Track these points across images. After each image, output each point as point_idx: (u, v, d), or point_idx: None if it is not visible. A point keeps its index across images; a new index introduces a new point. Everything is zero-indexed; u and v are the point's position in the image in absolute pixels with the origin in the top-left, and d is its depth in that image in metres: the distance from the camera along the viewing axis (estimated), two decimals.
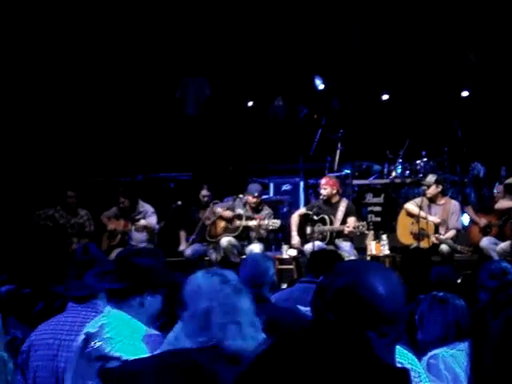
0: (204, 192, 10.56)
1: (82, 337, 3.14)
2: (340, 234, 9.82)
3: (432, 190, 9.81)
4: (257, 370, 1.84)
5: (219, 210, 10.30)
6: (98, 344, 3.02)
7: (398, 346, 2.93)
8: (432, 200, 9.85)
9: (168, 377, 2.65)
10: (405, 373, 1.87)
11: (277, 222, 9.91)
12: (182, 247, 10.50)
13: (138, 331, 3.12)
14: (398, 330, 1.93)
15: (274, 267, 4.83)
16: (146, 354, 2.97)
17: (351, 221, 9.75)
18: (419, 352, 3.84)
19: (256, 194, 10.14)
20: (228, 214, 10.21)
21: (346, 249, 9.69)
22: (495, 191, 10.25)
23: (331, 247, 9.69)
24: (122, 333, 3.07)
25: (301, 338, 1.86)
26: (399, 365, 2.61)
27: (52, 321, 3.69)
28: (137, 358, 2.88)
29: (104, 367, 2.95)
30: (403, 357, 2.95)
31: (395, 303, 1.91)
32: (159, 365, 2.70)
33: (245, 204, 10.24)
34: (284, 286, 8.34)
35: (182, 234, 10.63)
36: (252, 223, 9.97)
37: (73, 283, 3.63)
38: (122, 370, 2.82)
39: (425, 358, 3.69)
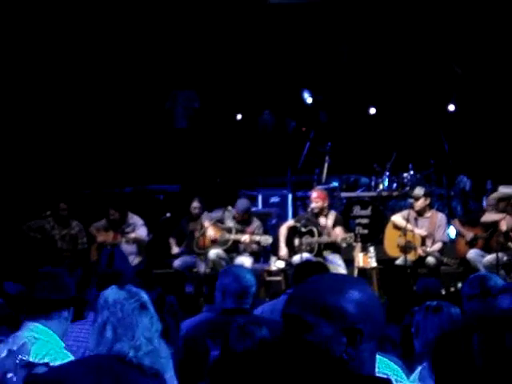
0: (195, 204, 10.59)
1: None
2: (328, 246, 9.89)
3: (421, 203, 9.89)
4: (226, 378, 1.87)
5: (207, 224, 10.31)
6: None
7: (383, 358, 3.00)
8: (420, 213, 9.93)
9: (90, 379, 2.91)
10: (386, 383, 1.89)
11: (269, 239, 9.93)
12: (174, 251, 10.54)
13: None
14: (374, 339, 1.91)
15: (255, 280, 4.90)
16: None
17: (338, 230, 9.84)
18: (415, 364, 3.89)
19: (240, 213, 10.17)
20: (213, 234, 10.19)
21: (334, 260, 9.76)
22: (484, 204, 10.34)
23: (319, 259, 9.76)
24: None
25: (271, 350, 1.88)
26: (384, 376, 2.67)
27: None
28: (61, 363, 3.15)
29: (30, 373, 3.10)
30: (388, 368, 2.99)
31: (366, 309, 1.90)
32: (82, 368, 2.97)
33: (234, 216, 10.28)
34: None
35: (172, 241, 10.67)
36: (243, 238, 9.99)
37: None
38: (48, 376, 3.02)
39: (419, 368, 3.75)
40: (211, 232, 10.20)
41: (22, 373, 3.10)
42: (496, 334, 1.79)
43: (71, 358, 3.29)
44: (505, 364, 1.77)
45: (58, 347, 3.33)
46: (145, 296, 3.19)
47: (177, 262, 10.28)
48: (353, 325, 1.87)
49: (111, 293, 3.14)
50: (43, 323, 3.35)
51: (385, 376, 2.67)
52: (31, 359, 3.16)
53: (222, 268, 9.94)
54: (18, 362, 3.14)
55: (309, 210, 10.25)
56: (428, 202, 9.98)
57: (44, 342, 3.29)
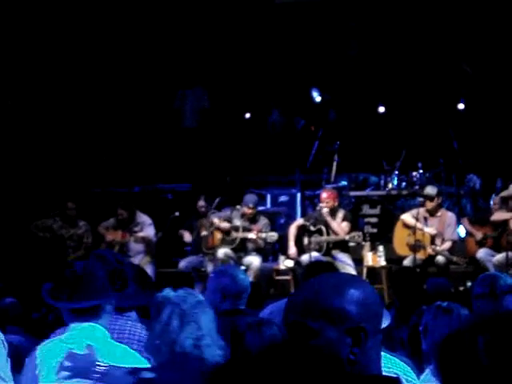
0: (201, 203, 10.63)
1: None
2: (337, 245, 9.87)
3: (434, 203, 9.86)
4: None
5: (216, 220, 10.33)
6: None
7: (393, 357, 2.98)
8: (431, 212, 9.89)
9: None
10: (396, 382, 1.87)
11: (274, 235, 9.93)
12: (187, 239, 10.55)
13: None
14: (378, 333, 1.90)
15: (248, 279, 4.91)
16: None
17: (343, 225, 9.82)
18: (423, 363, 3.86)
19: (251, 205, 10.15)
20: (225, 225, 10.24)
21: (343, 259, 9.74)
22: (492, 203, 10.30)
23: (328, 258, 9.74)
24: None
25: (272, 354, 1.85)
26: (394, 375, 2.65)
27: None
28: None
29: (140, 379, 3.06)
30: (399, 367, 2.98)
31: (367, 307, 1.89)
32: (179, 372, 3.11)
33: (242, 215, 10.27)
34: None
35: (183, 231, 10.70)
36: (250, 235, 9.99)
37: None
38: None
39: (429, 368, 3.72)
40: (223, 225, 10.20)
41: (128, 380, 3.03)
42: (502, 334, 1.79)
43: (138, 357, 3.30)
44: (510, 363, 1.77)
45: (120, 346, 3.32)
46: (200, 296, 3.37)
47: (182, 263, 10.27)
48: (356, 324, 1.86)
49: (169, 291, 3.24)
50: (95, 322, 3.27)
51: (394, 375, 2.64)
52: (105, 361, 3.11)
53: None
54: (96, 367, 3.09)
55: (318, 208, 10.23)
56: (440, 201, 9.97)
57: (106, 342, 3.24)
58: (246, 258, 10.01)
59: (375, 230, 11.22)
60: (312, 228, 9.90)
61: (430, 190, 10.03)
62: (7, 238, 10.47)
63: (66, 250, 10.43)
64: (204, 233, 10.34)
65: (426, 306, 4.30)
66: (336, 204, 10.08)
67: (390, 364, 2.87)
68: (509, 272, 8.56)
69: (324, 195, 10.14)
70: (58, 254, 10.06)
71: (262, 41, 13.07)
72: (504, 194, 9.91)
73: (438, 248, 9.65)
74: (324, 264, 6.59)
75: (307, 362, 1.82)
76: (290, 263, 10.08)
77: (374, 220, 11.38)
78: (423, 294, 6.21)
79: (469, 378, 1.78)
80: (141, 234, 10.43)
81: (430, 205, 9.87)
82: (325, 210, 9.89)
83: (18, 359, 3.44)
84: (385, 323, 1.95)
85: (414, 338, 4.19)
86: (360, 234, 9.79)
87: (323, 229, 9.89)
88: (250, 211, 10.16)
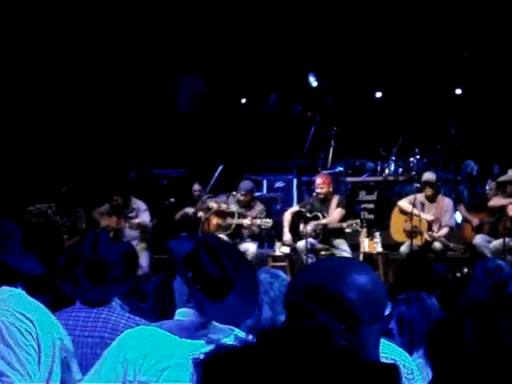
0: (196, 187, 10.62)
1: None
2: (333, 232, 9.82)
3: (434, 189, 9.82)
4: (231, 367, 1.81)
5: (213, 203, 10.29)
6: None
7: (390, 343, 2.92)
8: (430, 198, 9.85)
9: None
10: (393, 369, 1.82)
11: (269, 222, 9.88)
12: (190, 211, 10.53)
13: None
14: (377, 322, 1.88)
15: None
16: None
17: (336, 212, 9.77)
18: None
19: (243, 192, 10.10)
20: (223, 206, 10.18)
21: (340, 246, 9.71)
22: (487, 188, 10.26)
23: (325, 245, 9.73)
24: None
25: (271, 338, 1.82)
26: (391, 361, 2.58)
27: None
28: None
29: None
30: (395, 353, 2.93)
31: (366, 294, 1.86)
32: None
33: (238, 201, 10.22)
34: None
35: (180, 213, 10.67)
36: (245, 221, 9.94)
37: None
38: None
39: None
40: (220, 206, 10.14)
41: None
42: (488, 317, 1.80)
43: None
44: (497, 346, 1.77)
45: None
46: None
47: None
48: (350, 310, 1.83)
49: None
50: None
51: (391, 361, 2.58)
52: None
53: None
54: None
55: (314, 195, 10.18)
56: (437, 187, 9.94)
57: None
58: (241, 244, 9.96)
59: (372, 216, 11.17)
60: (308, 215, 9.84)
61: (430, 175, 9.99)
62: None
63: (60, 236, 10.36)
64: (201, 213, 10.28)
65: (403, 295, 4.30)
66: (331, 189, 10.03)
67: (388, 350, 2.82)
68: (506, 258, 8.53)
69: (319, 180, 10.10)
70: (52, 240, 9.99)
71: (258, 25, 12.98)
72: (502, 179, 9.85)
73: (434, 234, 9.62)
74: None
75: (296, 343, 1.75)
76: (285, 249, 10.04)
77: (370, 206, 11.34)
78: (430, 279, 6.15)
79: (458, 361, 1.79)
80: (136, 220, 10.37)
81: (429, 191, 9.82)
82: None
83: None
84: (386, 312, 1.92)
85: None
86: (358, 221, 9.73)
87: (320, 215, 9.84)
88: (243, 198, 10.11)
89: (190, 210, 10.62)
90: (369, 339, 1.86)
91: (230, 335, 2.61)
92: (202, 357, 1.65)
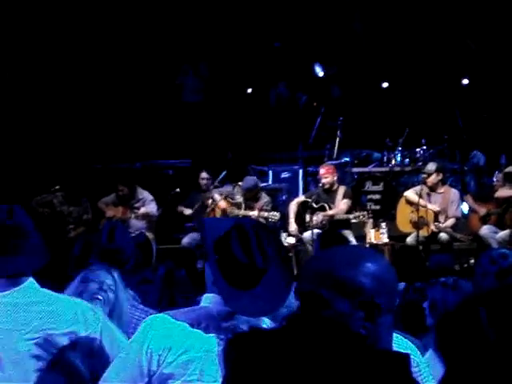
0: (203, 175, 10.57)
1: None
2: (340, 222, 9.79)
3: (433, 179, 9.76)
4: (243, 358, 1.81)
5: (217, 196, 10.27)
6: None
7: (398, 335, 2.90)
8: (432, 188, 9.81)
9: None
10: (405, 358, 1.81)
11: (276, 215, 9.85)
12: (187, 212, 10.51)
13: None
14: (391, 311, 1.88)
15: None
16: None
17: (343, 203, 9.74)
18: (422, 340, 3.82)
19: (245, 192, 10.11)
20: (223, 205, 10.16)
21: (347, 237, 9.67)
22: (494, 179, 10.21)
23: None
24: None
25: (288, 327, 1.82)
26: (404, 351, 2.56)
27: None
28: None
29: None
30: (402, 345, 2.91)
31: (382, 282, 1.86)
32: None
33: (242, 195, 10.21)
34: None
35: (182, 207, 10.65)
36: (252, 213, 9.92)
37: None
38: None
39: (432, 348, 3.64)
40: (222, 203, 10.13)
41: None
42: (505, 304, 1.79)
43: None
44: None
45: None
46: None
47: (185, 240, 10.20)
48: (370, 299, 1.83)
49: None
50: None
51: (404, 351, 2.56)
52: None
53: None
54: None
55: (320, 185, 10.16)
56: (440, 177, 9.84)
57: None
58: None
59: (378, 207, 11.13)
60: (314, 205, 9.82)
61: (429, 166, 9.96)
62: None
63: (66, 226, 10.35)
64: (209, 201, 10.26)
65: (420, 283, 4.25)
66: (335, 179, 10.00)
67: (396, 342, 2.80)
68: None
69: (322, 171, 10.08)
70: (57, 230, 9.99)
71: (264, 15, 12.93)
72: (510, 169, 9.80)
73: (441, 225, 9.57)
74: (339, 236, 6.50)
75: (317, 332, 1.80)
76: (291, 240, 10.02)
77: (376, 197, 11.30)
78: (425, 272, 6.15)
79: (474, 352, 1.78)
80: (142, 211, 10.35)
81: (428, 181, 9.79)
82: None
83: None
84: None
85: (409, 315, 4.13)
86: (365, 213, 9.70)
87: (326, 206, 9.82)
88: (246, 195, 10.12)
89: (187, 211, 10.59)
90: (383, 328, 1.86)
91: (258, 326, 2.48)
92: (229, 338, 1.66)
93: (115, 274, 3.17)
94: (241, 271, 2.44)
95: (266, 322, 2.56)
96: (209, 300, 2.53)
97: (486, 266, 4.65)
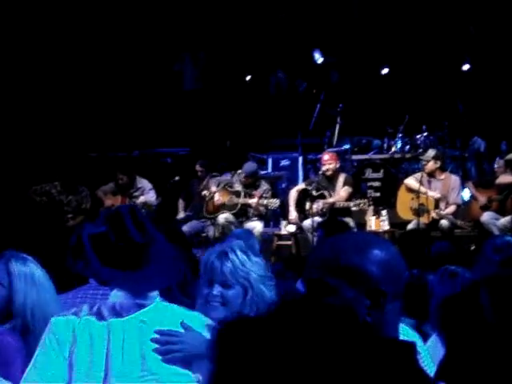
0: (197, 167, 10.57)
1: None
2: (340, 210, 9.74)
3: (430, 166, 9.72)
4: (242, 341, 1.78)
5: (213, 188, 10.20)
6: None
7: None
8: (431, 175, 9.77)
9: None
10: (411, 347, 1.79)
11: (276, 202, 9.81)
12: (180, 215, 10.47)
13: None
14: (398, 298, 1.86)
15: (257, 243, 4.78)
16: None
17: (343, 190, 9.70)
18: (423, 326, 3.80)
19: (245, 175, 10.04)
20: (220, 199, 10.09)
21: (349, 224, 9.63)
22: (495, 166, 10.16)
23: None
24: None
25: (292, 313, 1.79)
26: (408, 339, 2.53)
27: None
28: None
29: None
30: (403, 332, 2.87)
31: (389, 269, 1.84)
32: None
33: (241, 180, 10.15)
34: None
35: (181, 203, 10.63)
36: (251, 201, 9.87)
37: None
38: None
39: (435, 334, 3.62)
40: (219, 196, 10.08)
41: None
42: (504, 286, 1.81)
43: None
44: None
45: None
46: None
47: (184, 228, 10.16)
48: (376, 286, 1.81)
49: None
50: None
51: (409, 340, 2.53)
52: None
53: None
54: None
55: (320, 173, 10.11)
56: (438, 164, 9.78)
57: None
58: (247, 223, 9.90)
59: (378, 194, 11.08)
60: (314, 193, 9.77)
61: (428, 152, 9.95)
62: (4, 203, 10.35)
63: (64, 215, 10.31)
64: (204, 192, 10.21)
65: (415, 270, 4.27)
66: (338, 166, 9.99)
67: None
68: None
69: (326, 157, 10.06)
70: (55, 220, 9.95)
71: (263, 2, 12.85)
72: (509, 156, 9.75)
73: (441, 212, 9.53)
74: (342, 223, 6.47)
75: (321, 319, 1.79)
76: (291, 228, 9.98)
77: (377, 184, 11.25)
78: (426, 258, 6.11)
79: (474, 334, 1.80)
80: (141, 199, 10.31)
81: (426, 168, 9.75)
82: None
83: None
84: None
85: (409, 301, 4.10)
86: (365, 201, 9.65)
87: (326, 194, 9.77)
88: (246, 180, 10.06)
89: (181, 213, 10.55)
90: (390, 316, 1.84)
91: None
92: (219, 325, 1.62)
93: (14, 268, 3.15)
94: (121, 250, 2.50)
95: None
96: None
97: (490, 255, 4.60)
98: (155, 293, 2.64)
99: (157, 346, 2.53)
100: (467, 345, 1.83)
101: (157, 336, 2.54)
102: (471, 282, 1.94)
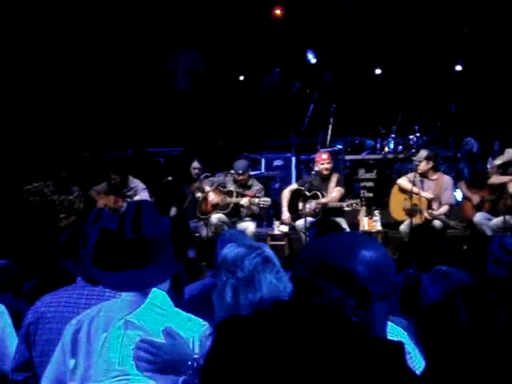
0: (195, 164, 10.51)
1: None
2: (333, 210, 9.75)
3: (422, 166, 9.73)
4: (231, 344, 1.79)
5: (207, 188, 10.20)
6: None
7: (390, 323, 2.87)
8: (423, 175, 9.78)
9: None
10: (399, 346, 1.80)
11: (267, 201, 9.81)
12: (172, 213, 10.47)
13: None
14: (387, 298, 1.85)
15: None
16: None
17: (335, 190, 9.70)
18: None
19: (240, 172, 10.02)
20: (214, 199, 10.08)
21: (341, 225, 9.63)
22: (488, 166, 10.17)
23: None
24: None
25: (280, 312, 1.81)
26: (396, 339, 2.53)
27: (62, 294, 3.48)
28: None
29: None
30: (393, 332, 2.89)
31: (377, 270, 1.84)
32: None
33: (235, 181, 10.14)
34: None
35: (173, 210, 10.57)
36: (243, 200, 9.86)
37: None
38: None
39: None
40: (213, 196, 10.08)
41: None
42: (478, 295, 1.85)
43: None
44: (489, 318, 1.81)
45: None
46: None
47: None
48: (362, 286, 1.81)
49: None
50: None
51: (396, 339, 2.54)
52: None
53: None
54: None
55: (313, 172, 10.10)
56: (430, 165, 9.78)
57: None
58: (240, 223, 9.89)
59: (371, 195, 11.11)
60: (307, 193, 9.77)
61: (420, 153, 9.95)
62: None
63: (57, 215, 10.28)
64: (198, 194, 10.20)
65: (411, 270, 4.27)
66: (332, 166, 10.01)
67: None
68: None
69: (324, 156, 10.01)
70: (48, 219, 9.93)
71: (256, 1, 12.85)
72: (499, 161, 9.72)
73: (434, 212, 9.55)
74: (334, 224, 6.46)
75: (309, 319, 1.80)
76: (284, 228, 9.99)
77: (369, 184, 11.27)
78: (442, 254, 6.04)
79: (450, 341, 1.83)
80: (134, 199, 10.28)
81: (419, 168, 9.75)
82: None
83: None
84: None
85: (405, 301, 4.11)
86: (358, 201, 9.66)
87: (319, 194, 9.77)
88: (241, 177, 10.04)
89: (172, 210, 10.55)
90: (378, 316, 1.84)
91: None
92: (217, 324, 1.64)
93: None
94: (111, 248, 2.51)
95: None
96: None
97: (499, 255, 4.56)
98: (160, 291, 2.67)
99: (136, 350, 2.52)
100: (446, 354, 1.84)
101: (138, 342, 2.52)
102: (448, 290, 1.95)
